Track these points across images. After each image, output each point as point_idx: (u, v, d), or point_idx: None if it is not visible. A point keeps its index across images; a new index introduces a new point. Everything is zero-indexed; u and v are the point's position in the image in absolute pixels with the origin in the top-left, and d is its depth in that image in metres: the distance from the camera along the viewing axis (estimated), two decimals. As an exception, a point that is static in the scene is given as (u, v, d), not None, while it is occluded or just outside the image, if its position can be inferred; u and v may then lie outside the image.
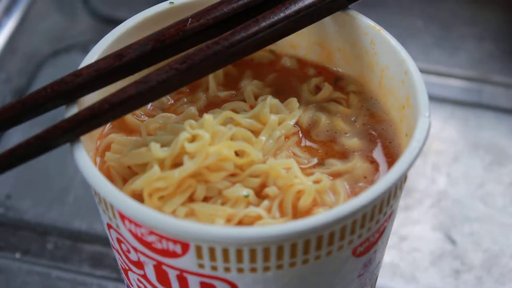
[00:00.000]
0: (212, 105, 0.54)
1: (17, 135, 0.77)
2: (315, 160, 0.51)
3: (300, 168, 0.49)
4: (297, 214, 0.47)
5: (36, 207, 0.75)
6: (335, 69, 0.57)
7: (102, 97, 0.48)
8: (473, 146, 0.79)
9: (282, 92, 0.55)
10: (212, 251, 0.44)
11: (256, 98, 0.53)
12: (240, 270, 0.45)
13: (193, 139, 0.47)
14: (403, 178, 0.47)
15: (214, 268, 0.45)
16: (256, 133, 0.50)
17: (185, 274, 0.46)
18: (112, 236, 0.49)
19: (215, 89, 0.55)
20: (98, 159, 0.51)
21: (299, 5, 0.51)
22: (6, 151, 0.46)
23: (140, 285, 0.50)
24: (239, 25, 0.50)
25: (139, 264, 0.48)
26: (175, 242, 0.44)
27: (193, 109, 0.52)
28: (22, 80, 0.86)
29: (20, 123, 0.49)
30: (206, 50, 0.49)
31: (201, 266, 0.45)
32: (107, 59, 0.50)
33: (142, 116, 0.54)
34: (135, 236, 0.46)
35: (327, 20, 0.54)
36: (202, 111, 0.52)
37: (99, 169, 0.48)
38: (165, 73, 0.48)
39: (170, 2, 0.55)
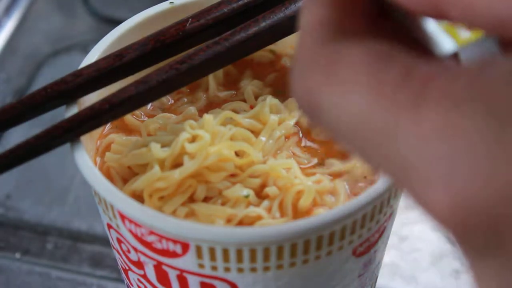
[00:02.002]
0: (212, 105, 0.54)
1: (17, 135, 0.76)
2: (315, 160, 0.51)
3: (300, 168, 0.49)
4: (297, 214, 0.47)
5: (36, 207, 0.74)
6: (335, 69, 0.57)
7: (102, 97, 0.48)
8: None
9: (282, 92, 0.55)
10: (212, 251, 0.44)
11: (256, 98, 0.53)
12: (240, 270, 0.45)
13: (193, 139, 0.47)
14: (403, 178, 0.47)
15: (214, 268, 0.45)
16: (256, 133, 0.50)
17: (185, 274, 0.46)
18: (112, 236, 0.49)
19: (215, 89, 0.55)
20: (98, 159, 0.51)
21: (299, 5, 0.51)
22: (6, 151, 0.46)
23: (140, 285, 0.50)
24: (239, 25, 0.50)
25: (139, 264, 0.48)
26: (175, 242, 0.44)
27: (193, 109, 0.52)
28: (22, 80, 0.86)
29: (20, 123, 0.49)
30: (206, 50, 0.49)
31: (201, 266, 0.45)
32: (107, 59, 0.50)
33: (142, 116, 0.54)
34: (135, 236, 0.46)
35: (327, 20, 0.54)
36: (202, 111, 0.52)
37: (99, 169, 0.48)
38: (165, 73, 0.48)
39: (170, 2, 0.55)
